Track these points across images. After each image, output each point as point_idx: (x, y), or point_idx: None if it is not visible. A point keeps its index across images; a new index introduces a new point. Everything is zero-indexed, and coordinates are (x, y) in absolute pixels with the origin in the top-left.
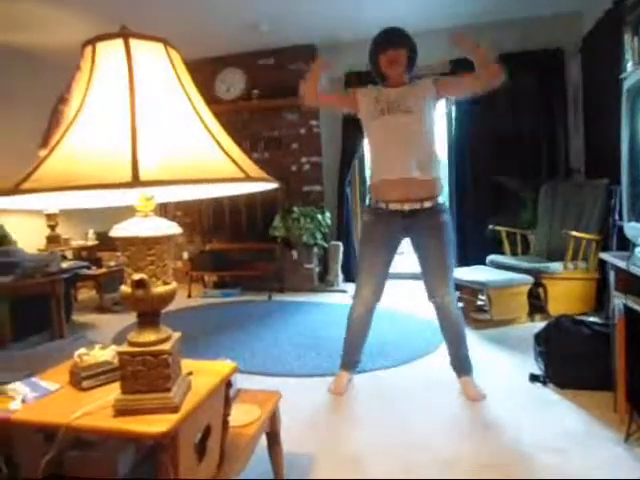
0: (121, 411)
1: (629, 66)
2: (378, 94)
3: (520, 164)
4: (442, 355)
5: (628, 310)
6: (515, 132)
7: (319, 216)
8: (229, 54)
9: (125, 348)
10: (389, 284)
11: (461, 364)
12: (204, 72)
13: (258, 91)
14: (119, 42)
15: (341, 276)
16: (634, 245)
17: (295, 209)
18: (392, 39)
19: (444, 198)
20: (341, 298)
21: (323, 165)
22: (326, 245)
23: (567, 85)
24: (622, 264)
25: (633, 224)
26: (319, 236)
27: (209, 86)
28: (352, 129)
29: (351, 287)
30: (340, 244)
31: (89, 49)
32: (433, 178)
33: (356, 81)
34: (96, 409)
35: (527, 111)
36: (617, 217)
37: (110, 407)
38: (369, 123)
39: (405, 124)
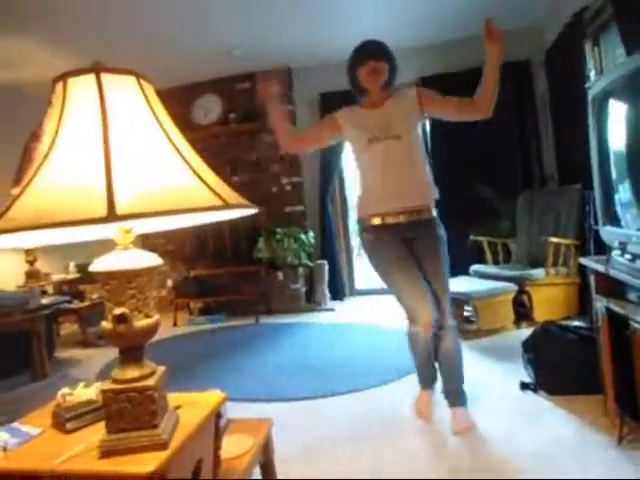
0: (107, 452)
1: (592, 75)
2: (361, 120)
3: (496, 174)
4: None
5: (610, 313)
6: (489, 143)
7: (303, 236)
8: (205, 80)
9: (108, 386)
10: (378, 299)
11: (456, 393)
12: (181, 99)
13: (235, 115)
14: (90, 77)
15: (328, 295)
16: (611, 248)
17: (278, 230)
18: (372, 50)
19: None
20: (329, 317)
21: (304, 184)
22: (311, 264)
23: (536, 95)
24: (601, 268)
25: (608, 228)
26: (304, 256)
27: (186, 113)
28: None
29: (339, 305)
30: (325, 262)
31: (60, 85)
32: (430, 203)
33: (332, 101)
34: (81, 452)
35: (500, 122)
36: (593, 221)
37: (96, 449)
38: (358, 154)
39: (396, 151)
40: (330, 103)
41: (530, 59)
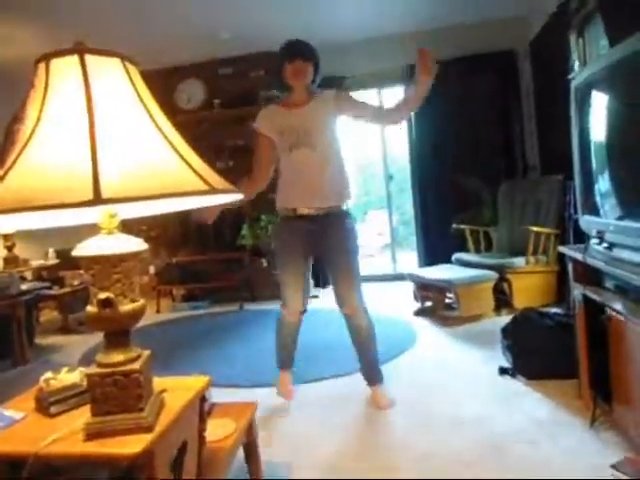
0: (93, 434)
1: (576, 66)
2: (282, 122)
3: (479, 163)
4: (414, 355)
5: (587, 300)
6: (473, 132)
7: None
8: (188, 63)
9: (94, 370)
10: (362, 287)
11: (373, 374)
12: (164, 82)
13: (219, 100)
14: (74, 58)
15: (312, 281)
16: (589, 237)
17: (263, 217)
18: (302, 50)
19: (406, 199)
20: (313, 303)
21: None
22: None
23: (521, 85)
24: (579, 256)
25: (587, 217)
26: None
27: (169, 96)
28: None
29: (322, 292)
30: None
31: (42, 66)
32: (343, 204)
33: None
34: (66, 435)
35: (484, 111)
36: (572, 211)
37: (81, 431)
38: (280, 154)
39: (312, 160)
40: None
41: (515, 49)
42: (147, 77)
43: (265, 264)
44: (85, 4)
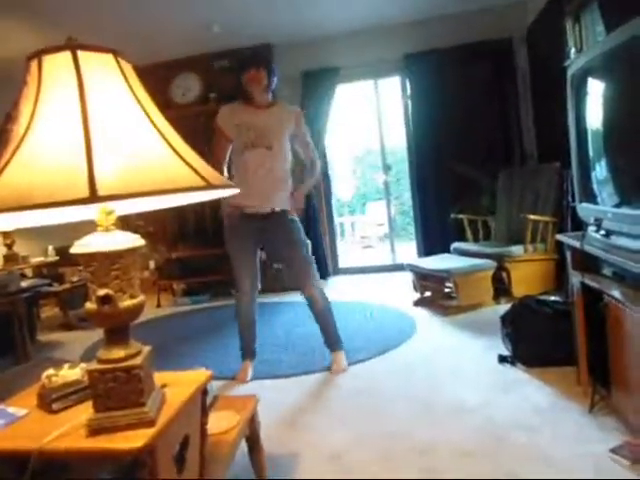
0: (95, 430)
1: (572, 53)
2: (242, 119)
3: (477, 151)
4: (414, 344)
5: (585, 288)
6: (471, 120)
7: None
8: (183, 57)
9: (95, 366)
10: (362, 278)
11: (334, 342)
12: (158, 77)
13: (215, 94)
14: (67, 55)
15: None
16: (587, 225)
17: None
18: (254, 60)
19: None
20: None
21: None
22: None
23: (517, 73)
24: (577, 244)
25: (585, 205)
26: None
27: (164, 91)
28: (312, 123)
29: (322, 284)
30: (308, 242)
31: (35, 63)
32: (286, 206)
33: (314, 79)
34: (69, 431)
35: (482, 99)
36: (570, 199)
37: (83, 427)
38: (235, 151)
39: (267, 160)
40: (312, 81)
41: (512, 36)
42: (142, 72)
43: (264, 257)
44: (78, 6)
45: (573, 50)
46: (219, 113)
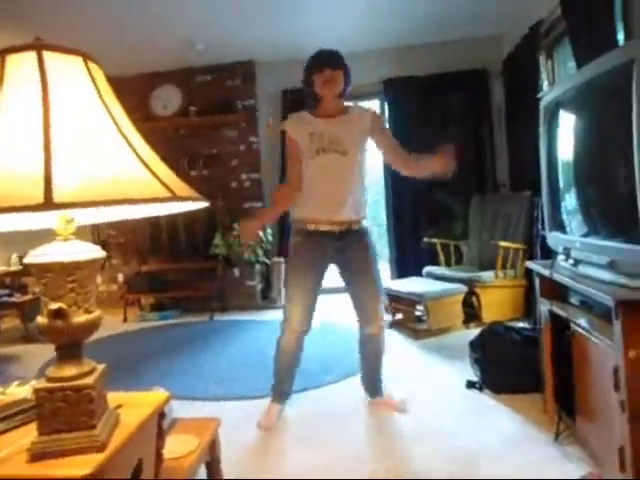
0: (38, 455)
1: (545, 86)
2: (312, 129)
3: (451, 179)
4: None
5: (553, 315)
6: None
7: (260, 233)
8: (165, 70)
9: (42, 384)
10: (334, 298)
11: (375, 388)
12: (139, 88)
13: (195, 108)
14: (31, 55)
15: (284, 292)
16: (556, 253)
17: (236, 226)
18: (330, 59)
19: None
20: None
21: (263, 181)
22: (268, 262)
23: (492, 103)
24: (546, 272)
25: (554, 234)
26: (261, 253)
27: (144, 102)
28: None
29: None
30: (282, 260)
31: None
32: (362, 217)
33: (293, 98)
34: (9, 455)
35: (457, 128)
36: (540, 227)
37: (25, 452)
38: (306, 160)
39: (340, 166)
40: (291, 100)
41: (488, 67)
42: (123, 83)
43: (237, 274)
44: (60, 11)
45: (546, 83)
46: (287, 122)
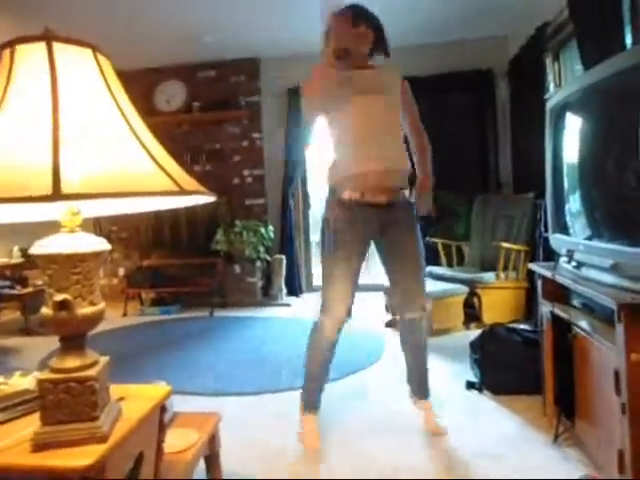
0: (41, 445)
1: (551, 88)
2: (344, 76)
3: (454, 179)
4: (381, 367)
5: (555, 318)
6: (449, 148)
7: (262, 229)
8: (169, 65)
9: (46, 375)
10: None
11: (425, 387)
12: (143, 83)
13: (199, 103)
14: (41, 45)
15: (284, 290)
16: (558, 255)
17: (237, 223)
18: (367, 16)
19: None
20: (285, 312)
21: (266, 178)
22: (269, 259)
23: (497, 104)
24: (548, 274)
25: (557, 235)
26: (262, 250)
27: (148, 97)
28: (295, 141)
29: (295, 300)
30: (283, 257)
31: (7, 52)
32: (406, 185)
33: (299, 96)
34: (12, 445)
35: (462, 128)
36: (543, 229)
37: (28, 441)
38: (338, 109)
39: (386, 108)
40: (298, 97)
41: (494, 68)
42: (127, 76)
43: (238, 270)
44: (69, 3)
45: (552, 85)
46: (314, 69)
